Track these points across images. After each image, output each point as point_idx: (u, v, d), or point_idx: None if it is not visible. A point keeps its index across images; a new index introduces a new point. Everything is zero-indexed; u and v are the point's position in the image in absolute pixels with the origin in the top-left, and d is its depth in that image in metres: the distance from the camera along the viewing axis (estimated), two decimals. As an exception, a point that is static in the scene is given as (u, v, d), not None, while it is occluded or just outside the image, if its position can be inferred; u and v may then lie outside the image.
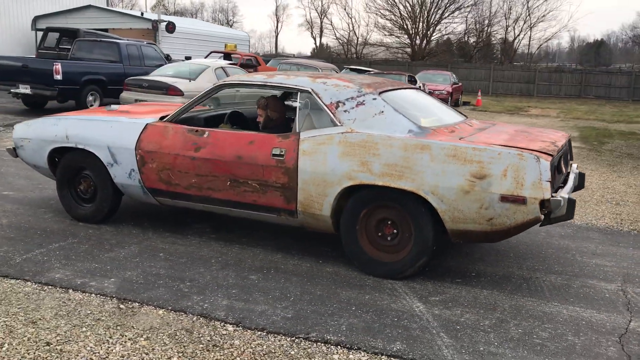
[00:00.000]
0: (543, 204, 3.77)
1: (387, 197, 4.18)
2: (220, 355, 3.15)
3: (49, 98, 13.06)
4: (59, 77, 12.84)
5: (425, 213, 4.07)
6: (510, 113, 21.77)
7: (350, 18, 39.35)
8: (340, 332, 3.44)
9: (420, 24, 37.02)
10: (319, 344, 3.32)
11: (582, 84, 33.02)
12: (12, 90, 12.97)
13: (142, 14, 25.66)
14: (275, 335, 3.40)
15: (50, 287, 3.93)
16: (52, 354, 3.08)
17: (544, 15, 38.27)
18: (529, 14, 38.16)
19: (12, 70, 12.83)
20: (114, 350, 3.15)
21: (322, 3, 63.86)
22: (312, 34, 65.10)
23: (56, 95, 12.90)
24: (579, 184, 4.93)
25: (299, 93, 4.63)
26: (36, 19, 26.17)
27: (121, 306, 3.69)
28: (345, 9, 38.93)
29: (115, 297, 3.81)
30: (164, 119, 4.99)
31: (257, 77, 5.12)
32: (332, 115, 4.35)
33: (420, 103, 4.98)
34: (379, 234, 4.28)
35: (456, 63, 34.92)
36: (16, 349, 3.11)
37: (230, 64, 17.15)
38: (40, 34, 22.46)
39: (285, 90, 5.04)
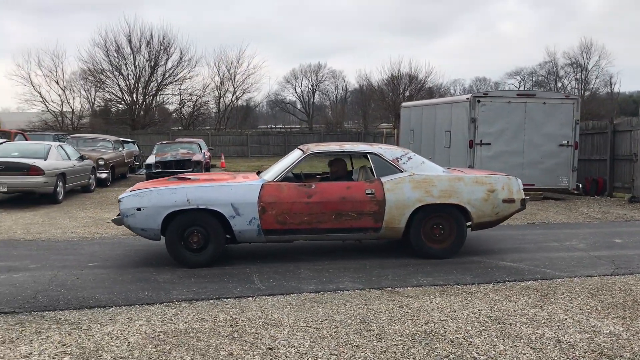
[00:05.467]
0: (522, 201, 7.24)
1: (439, 209, 7.00)
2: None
3: None
4: None
5: (461, 216, 7.07)
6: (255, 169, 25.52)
7: (63, 90, 37.99)
8: (451, 274, 6.27)
9: (138, 96, 38.65)
10: (458, 285, 6.07)
11: (285, 144, 39.15)
12: None
13: None
14: (446, 285, 6.03)
15: (286, 294, 5.68)
16: (408, 312, 5.16)
17: (247, 88, 44.44)
18: (234, 88, 43.63)
19: None
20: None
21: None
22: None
23: None
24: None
25: (368, 154, 7.17)
26: None
27: (397, 289, 5.76)
28: (57, 82, 37.03)
29: (377, 289, 5.82)
30: (270, 180, 6.81)
31: (333, 147, 7.50)
32: (396, 166, 7.04)
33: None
34: (432, 232, 7.04)
35: (175, 131, 37.54)
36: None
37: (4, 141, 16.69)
38: None
39: (357, 154, 7.48)
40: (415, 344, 4.33)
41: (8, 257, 7.28)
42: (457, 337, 4.46)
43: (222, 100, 43.75)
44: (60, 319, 4.88)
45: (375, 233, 6.89)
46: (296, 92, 66.94)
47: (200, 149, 20.47)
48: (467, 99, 13.65)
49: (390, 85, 46.00)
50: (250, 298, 5.50)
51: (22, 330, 4.59)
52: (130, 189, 7.01)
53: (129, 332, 4.57)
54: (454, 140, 14.31)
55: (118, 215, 6.82)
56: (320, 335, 4.50)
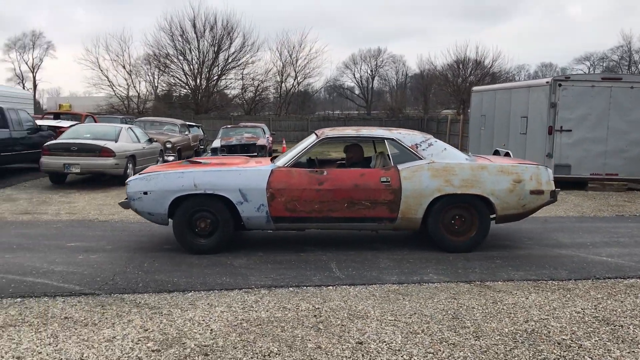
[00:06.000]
0: (551, 193, 6.60)
1: (459, 200, 6.48)
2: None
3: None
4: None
5: (484, 208, 6.50)
6: (314, 154, 25.35)
7: (129, 74, 39.06)
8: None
9: (201, 80, 39.16)
10: (553, 281, 5.58)
11: (346, 129, 38.79)
12: None
13: None
14: (540, 280, 5.55)
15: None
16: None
17: (309, 73, 44.30)
18: (296, 73, 43.54)
19: None
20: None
21: (32, 57, 60.87)
22: (24, 88, 61.17)
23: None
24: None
25: (385, 140, 6.70)
26: None
27: (487, 283, 5.38)
28: (124, 66, 38.24)
29: (465, 282, 5.45)
30: (280, 165, 6.48)
31: (349, 132, 7.09)
32: (415, 153, 6.54)
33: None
34: (452, 224, 6.52)
35: (236, 116, 37.79)
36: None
37: (76, 123, 16.97)
38: None
39: (374, 139, 7.08)
40: (518, 344, 3.96)
41: (84, 237, 7.31)
42: (564, 339, 4.06)
43: (283, 85, 43.68)
44: (140, 302, 4.77)
45: (391, 223, 6.47)
46: (355, 78, 66.29)
47: (264, 133, 20.40)
48: (547, 82, 12.91)
49: (454, 69, 44.69)
50: (330, 287, 5.26)
51: (103, 313, 4.50)
52: (140, 172, 6.86)
53: (211, 318, 4.40)
54: (531, 127, 13.59)
55: (125, 199, 6.63)
56: (411, 330, 4.20)
